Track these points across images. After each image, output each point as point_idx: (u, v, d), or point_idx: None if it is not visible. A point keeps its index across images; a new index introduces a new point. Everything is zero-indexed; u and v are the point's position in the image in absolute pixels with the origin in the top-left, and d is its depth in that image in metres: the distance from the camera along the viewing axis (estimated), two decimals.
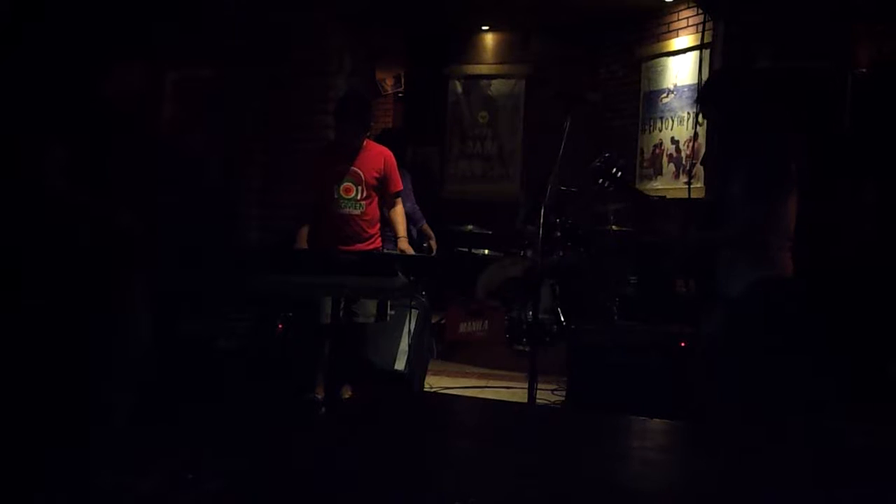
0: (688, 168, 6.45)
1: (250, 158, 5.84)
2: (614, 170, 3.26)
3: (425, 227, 5.81)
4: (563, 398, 4.68)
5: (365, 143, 4.37)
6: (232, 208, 5.63)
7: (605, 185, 3.26)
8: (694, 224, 3.21)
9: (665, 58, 6.91)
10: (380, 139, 4.62)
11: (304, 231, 4.35)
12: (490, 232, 7.26)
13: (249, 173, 5.90)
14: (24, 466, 2.77)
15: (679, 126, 6.74)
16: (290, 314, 4.44)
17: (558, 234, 6.12)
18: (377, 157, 4.38)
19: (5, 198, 3.03)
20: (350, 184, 4.31)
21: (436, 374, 5.50)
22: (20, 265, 2.98)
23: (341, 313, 4.18)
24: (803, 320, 3.03)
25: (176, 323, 3.83)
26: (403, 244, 4.42)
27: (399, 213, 4.51)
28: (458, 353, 6.25)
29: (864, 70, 4.67)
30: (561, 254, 6.13)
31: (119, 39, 3.29)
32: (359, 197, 4.31)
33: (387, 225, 4.58)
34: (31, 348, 2.93)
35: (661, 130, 6.96)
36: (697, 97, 3.41)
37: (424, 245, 5.75)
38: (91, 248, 2.99)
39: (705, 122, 5.22)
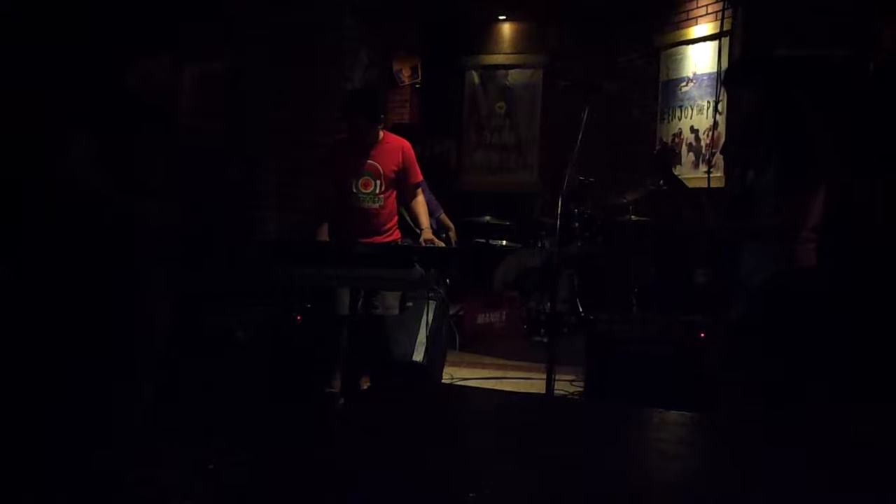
0: (707, 157, 6.40)
1: (268, 153, 5.86)
2: (669, 161, 3.24)
3: (443, 217, 5.79)
4: (581, 389, 4.67)
5: (382, 135, 4.33)
6: (250, 201, 5.65)
7: (661, 182, 3.24)
8: (721, 215, 3.18)
9: (684, 46, 6.86)
10: (394, 133, 4.61)
11: (324, 226, 4.33)
12: (508, 223, 7.25)
13: (268, 167, 5.92)
14: (43, 460, 2.80)
15: (698, 115, 6.68)
16: (309, 306, 4.46)
17: (576, 224, 6.10)
18: (395, 149, 4.34)
19: (30, 187, 3.07)
20: (368, 178, 4.28)
21: (454, 365, 5.50)
22: (41, 253, 3.02)
23: (360, 305, 4.19)
24: (825, 312, 3.00)
25: (195, 313, 3.86)
26: (428, 234, 4.38)
27: (421, 205, 4.47)
28: (477, 344, 6.25)
29: (885, 57, 4.61)
30: (579, 244, 6.11)
31: (142, 33, 3.32)
32: (377, 191, 4.29)
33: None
34: (51, 337, 2.96)
35: (680, 119, 6.91)
36: (726, 77, 3.36)
37: (444, 236, 5.75)
38: (113, 237, 3.02)
39: (725, 110, 5.19)
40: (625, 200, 6.16)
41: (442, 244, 4.65)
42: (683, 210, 3.36)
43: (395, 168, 4.31)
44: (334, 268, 3.56)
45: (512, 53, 8.35)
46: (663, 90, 7.12)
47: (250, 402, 3.70)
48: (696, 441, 2.05)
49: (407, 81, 8.07)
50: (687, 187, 3.52)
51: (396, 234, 4.46)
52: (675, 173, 6.76)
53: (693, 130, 6.75)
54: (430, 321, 4.68)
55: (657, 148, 3.38)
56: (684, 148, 6.85)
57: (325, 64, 6.12)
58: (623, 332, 4.29)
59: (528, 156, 8.30)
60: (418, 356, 4.66)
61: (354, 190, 4.27)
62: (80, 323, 2.97)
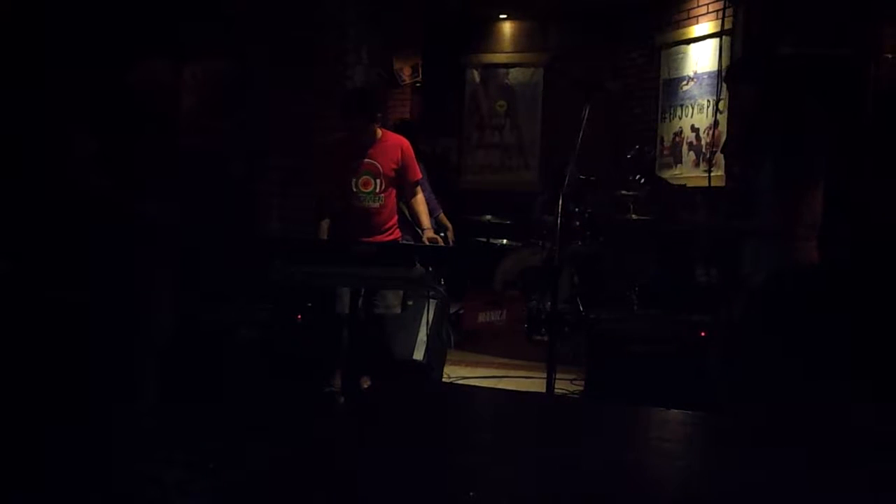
0: (708, 156, 6.40)
1: (270, 151, 5.86)
2: (645, 162, 3.25)
3: (442, 216, 5.80)
4: (581, 388, 4.67)
5: (380, 134, 4.33)
6: (252, 200, 5.65)
7: (639, 178, 3.24)
8: (720, 213, 3.19)
9: (685, 45, 6.85)
10: (394, 130, 4.61)
11: (325, 224, 4.34)
12: (508, 222, 7.24)
13: (269, 166, 5.92)
14: (44, 460, 2.81)
15: (699, 114, 6.68)
16: (310, 304, 4.46)
17: (577, 223, 6.10)
18: (394, 147, 4.33)
19: (30, 190, 3.08)
20: (368, 177, 4.27)
21: (454, 363, 5.50)
22: (43, 255, 3.03)
23: (360, 304, 4.18)
24: (826, 311, 3.00)
25: (197, 312, 3.86)
26: (431, 234, 4.38)
27: (421, 203, 4.47)
28: (477, 343, 6.25)
29: (889, 56, 4.60)
30: (580, 243, 6.11)
31: (143, 33, 3.33)
32: (378, 190, 4.28)
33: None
34: (54, 340, 2.96)
35: (680, 118, 6.90)
36: (727, 74, 3.35)
37: (442, 235, 5.75)
38: (113, 237, 3.03)
39: (726, 109, 5.19)
40: (625, 199, 6.15)
41: (440, 242, 4.65)
42: (676, 209, 3.36)
43: (395, 166, 4.31)
44: (335, 267, 3.57)
45: (513, 52, 8.35)
46: (664, 89, 7.12)
47: (250, 401, 3.70)
48: (696, 441, 2.05)
49: (408, 81, 8.07)
50: (672, 185, 3.52)
51: (397, 234, 4.45)
52: (678, 173, 6.80)
53: (694, 129, 6.75)
54: (430, 320, 4.68)
55: (632, 152, 3.37)
56: (685, 147, 6.85)
57: (325, 64, 6.12)
58: (624, 331, 4.29)
59: (529, 154, 8.30)
60: (418, 355, 4.66)
61: (355, 189, 4.26)
62: (80, 323, 2.97)
